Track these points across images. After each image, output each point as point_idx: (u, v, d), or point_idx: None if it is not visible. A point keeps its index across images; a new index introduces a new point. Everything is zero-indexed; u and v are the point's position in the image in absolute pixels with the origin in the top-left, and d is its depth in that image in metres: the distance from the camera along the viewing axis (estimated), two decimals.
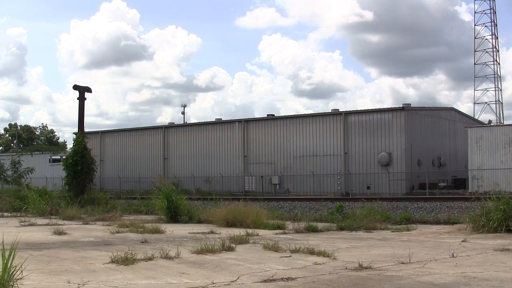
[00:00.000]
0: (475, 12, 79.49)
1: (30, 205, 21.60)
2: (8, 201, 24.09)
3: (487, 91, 76.81)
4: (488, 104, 76.67)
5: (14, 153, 43.06)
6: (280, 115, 45.23)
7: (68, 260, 8.73)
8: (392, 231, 14.39)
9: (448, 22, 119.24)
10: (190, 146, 46.52)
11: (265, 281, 6.87)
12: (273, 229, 14.57)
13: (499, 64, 76.89)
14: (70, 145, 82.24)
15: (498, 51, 76.73)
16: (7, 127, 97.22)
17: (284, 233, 13.81)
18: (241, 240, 11.18)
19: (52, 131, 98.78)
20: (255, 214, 15.71)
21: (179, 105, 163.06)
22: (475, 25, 78.35)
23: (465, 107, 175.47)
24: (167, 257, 8.73)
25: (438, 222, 17.57)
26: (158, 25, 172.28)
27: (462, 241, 11.26)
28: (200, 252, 9.39)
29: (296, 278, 7.02)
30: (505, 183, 29.74)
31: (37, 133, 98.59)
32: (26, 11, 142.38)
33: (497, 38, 76.96)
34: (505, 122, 68.86)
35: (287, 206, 27.23)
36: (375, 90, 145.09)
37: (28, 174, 32.94)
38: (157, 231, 13.37)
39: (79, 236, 12.78)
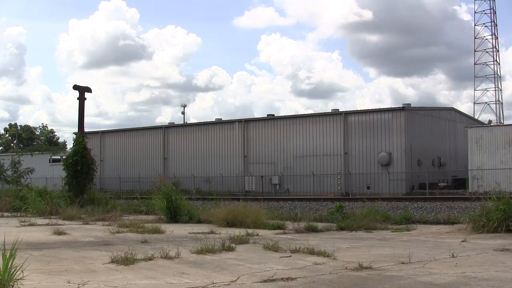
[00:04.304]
0: (475, 12, 79.60)
1: (30, 205, 21.57)
2: (8, 201, 24.05)
3: (487, 91, 76.90)
4: (488, 104, 76.75)
5: (14, 153, 43.05)
6: (280, 115, 45.29)
7: (68, 260, 8.73)
8: (392, 231, 14.38)
9: (448, 21, 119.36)
10: (190, 146, 46.52)
11: (265, 281, 6.86)
12: (273, 229, 14.56)
13: (499, 64, 76.98)
14: (70, 145, 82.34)
15: (498, 51, 76.85)
16: (7, 127, 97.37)
17: (284, 233, 13.80)
18: (241, 240, 11.17)
19: (52, 131, 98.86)
20: (255, 214, 15.69)
21: (178, 105, 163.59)
22: (475, 25, 78.46)
23: (465, 107, 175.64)
24: (167, 257, 8.72)
25: (438, 222, 17.55)
26: (158, 24, 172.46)
27: (462, 241, 11.26)
28: (200, 252, 9.38)
29: (296, 278, 7.02)
30: (505, 183, 29.75)
31: (37, 133, 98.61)
32: (24, 11, 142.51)
33: (497, 38, 77.06)
34: (505, 122, 68.92)
35: (287, 206, 27.20)
36: (374, 90, 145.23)
37: (28, 174, 32.96)
38: (157, 231, 13.36)
39: (79, 236, 12.77)
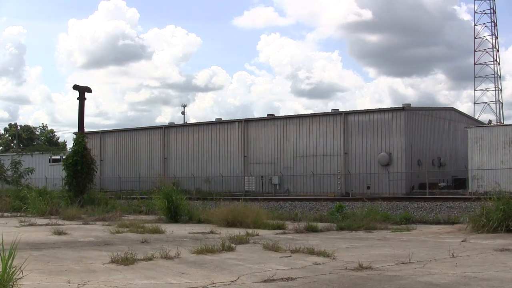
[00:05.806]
0: (475, 12, 79.70)
1: (30, 205, 21.54)
2: (8, 201, 24.03)
3: (487, 91, 76.96)
4: (488, 104, 76.80)
5: (14, 153, 43.03)
6: (280, 115, 45.30)
7: (68, 260, 8.73)
8: (392, 231, 14.38)
9: (448, 21, 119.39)
10: (190, 146, 46.51)
11: (265, 281, 6.86)
12: (273, 229, 14.56)
13: (499, 64, 77.03)
14: (70, 145, 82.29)
15: (498, 51, 76.91)
16: (7, 127, 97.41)
17: (284, 233, 13.80)
18: (241, 240, 11.17)
19: (52, 131, 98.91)
20: (255, 214, 15.69)
21: (178, 105, 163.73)
22: (475, 25, 78.53)
23: (465, 107, 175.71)
24: (167, 257, 8.72)
25: (438, 222, 17.54)
26: (157, 24, 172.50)
27: (462, 241, 11.25)
28: (200, 252, 9.38)
29: (296, 278, 7.02)
30: (505, 183, 29.73)
31: (37, 133, 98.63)
32: (24, 11, 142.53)
33: (497, 38, 77.13)
34: (505, 122, 68.93)
35: (287, 206, 27.21)
36: (374, 90, 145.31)
37: (28, 174, 32.92)
38: (157, 231, 13.35)
39: (79, 236, 12.76)
